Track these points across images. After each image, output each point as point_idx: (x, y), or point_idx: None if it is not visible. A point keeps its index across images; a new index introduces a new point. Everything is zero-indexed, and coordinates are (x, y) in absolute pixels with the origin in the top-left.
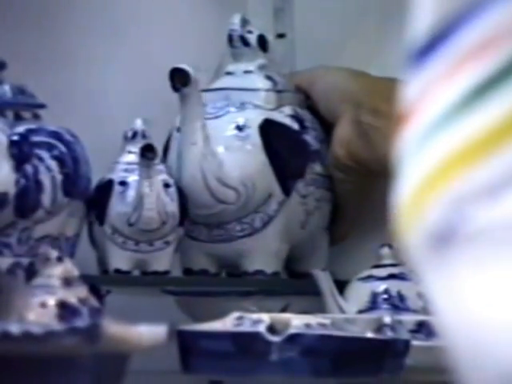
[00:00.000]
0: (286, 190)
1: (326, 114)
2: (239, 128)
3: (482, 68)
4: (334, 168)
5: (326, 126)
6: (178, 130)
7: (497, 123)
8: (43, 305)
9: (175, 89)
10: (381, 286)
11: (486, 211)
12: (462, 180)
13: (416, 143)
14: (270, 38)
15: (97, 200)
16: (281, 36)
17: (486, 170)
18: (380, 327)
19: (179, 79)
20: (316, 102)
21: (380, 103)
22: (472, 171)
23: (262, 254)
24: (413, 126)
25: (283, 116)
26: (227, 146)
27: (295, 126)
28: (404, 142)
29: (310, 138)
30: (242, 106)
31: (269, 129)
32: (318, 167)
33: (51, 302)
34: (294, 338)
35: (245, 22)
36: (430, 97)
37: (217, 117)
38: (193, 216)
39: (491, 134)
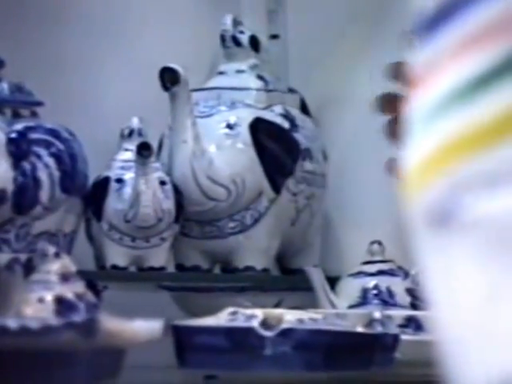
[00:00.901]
0: (276, 188)
1: None
2: (230, 126)
3: (490, 53)
4: None
5: None
6: (170, 128)
7: (501, 113)
8: (41, 300)
9: (165, 88)
10: (371, 282)
11: (484, 202)
12: (464, 166)
13: (426, 116)
14: (264, 39)
15: (94, 197)
16: (274, 37)
17: (489, 160)
18: (370, 322)
19: (169, 78)
20: None
21: None
22: (475, 159)
23: (253, 250)
24: (423, 96)
25: (274, 115)
26: (218, 144)
27: (286, 124)
28: (414, 110)
29: (301, 136)
30: (232, 105)
31: (259, 127)
32: (308, 165)
33: (49, 297)
34: (286, 333)
35: (236, 22)
36: (440, 71)
37: (208, 115)
38: (185, 213)
39: (497, 124)
